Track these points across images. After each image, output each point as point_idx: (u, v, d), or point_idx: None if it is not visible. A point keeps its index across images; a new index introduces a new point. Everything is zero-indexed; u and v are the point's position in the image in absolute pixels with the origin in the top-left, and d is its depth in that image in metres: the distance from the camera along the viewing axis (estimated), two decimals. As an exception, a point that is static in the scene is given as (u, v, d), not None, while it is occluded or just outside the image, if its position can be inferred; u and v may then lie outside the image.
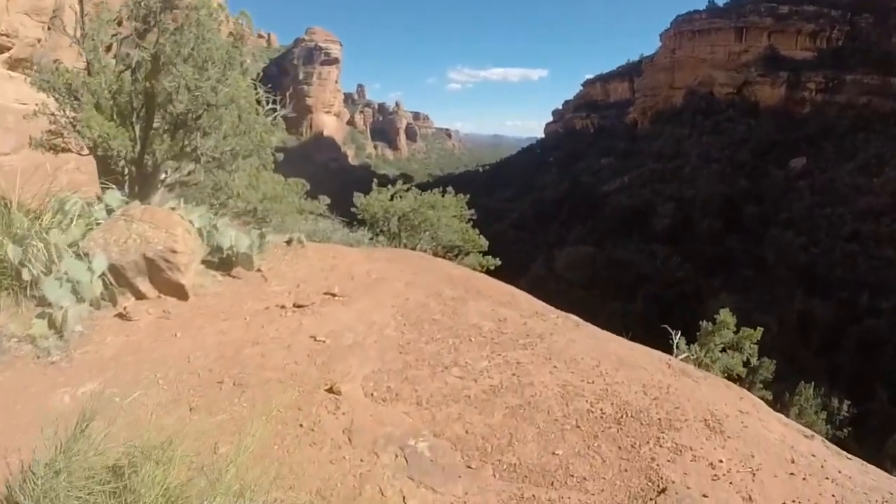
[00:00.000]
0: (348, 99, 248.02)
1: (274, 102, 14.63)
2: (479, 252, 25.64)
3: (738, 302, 74.82)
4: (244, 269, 9.53)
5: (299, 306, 8.19)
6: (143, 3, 11.88)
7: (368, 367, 6.41)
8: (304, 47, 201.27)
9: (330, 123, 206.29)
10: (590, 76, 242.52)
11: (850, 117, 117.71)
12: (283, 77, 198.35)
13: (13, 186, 8.42)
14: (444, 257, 25.28)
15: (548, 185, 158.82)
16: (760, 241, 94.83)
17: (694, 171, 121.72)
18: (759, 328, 22.53)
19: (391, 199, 25.07)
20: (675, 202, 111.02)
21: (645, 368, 6.91)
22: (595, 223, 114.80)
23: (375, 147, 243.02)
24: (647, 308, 77.91)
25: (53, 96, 11.63)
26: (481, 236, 25.63)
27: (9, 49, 15.19)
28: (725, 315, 21.75)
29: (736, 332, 22.10)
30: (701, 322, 22.15)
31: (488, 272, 24.73)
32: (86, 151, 12.59)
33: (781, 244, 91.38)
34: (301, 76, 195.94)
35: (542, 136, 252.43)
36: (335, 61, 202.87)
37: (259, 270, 9.67)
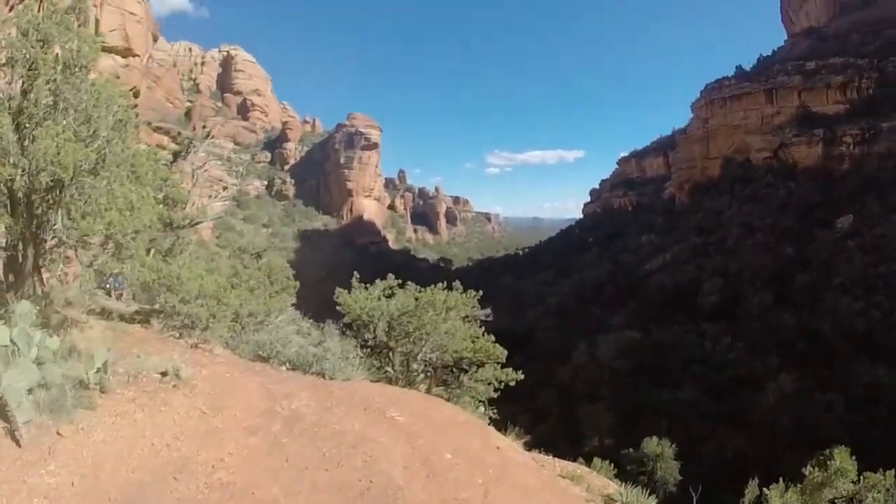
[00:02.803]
0: (389, 184, 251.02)
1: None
2: (496, 363, 20.66)
3: (797, 381, 69.92)
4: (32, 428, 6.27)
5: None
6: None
7: None
8: (346, 132, 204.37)
9: (370, 207, 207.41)
10: (625, 153, 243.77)
11: (890, 167, 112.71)
12: (325, 161, 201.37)
13: None
14: (440, 380, 21.44)
15: (588, 267, 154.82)
16: (814, 311, 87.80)
17: (737, 242, 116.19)
18: (889, 472, 16.60)
19: (381, 296, 21.35)
20: (720, 277, 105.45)
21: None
22: (638, 305, 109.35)
23: (415, 231, 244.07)
24: (698, 395, 73.44)
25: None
26: (497, 344, 20.54)
27: None
28: (842, 458, 16.22)
29: (856, 482, 16.48)
30: (805, 467, 16.94)
31: (506, 388, 20.91)
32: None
33: (837, 311, 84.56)
34: (342, 160, 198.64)
35: (581, 216, 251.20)
36: (375, 146, 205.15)
37: (59, 433, 6.32)
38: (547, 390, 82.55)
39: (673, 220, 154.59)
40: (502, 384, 20.47)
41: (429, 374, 20.94)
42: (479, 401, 20.86)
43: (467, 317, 21.02)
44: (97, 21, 54.72)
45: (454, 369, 21.13)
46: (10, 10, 26.32)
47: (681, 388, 76.17)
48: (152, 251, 16.18)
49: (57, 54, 10.06)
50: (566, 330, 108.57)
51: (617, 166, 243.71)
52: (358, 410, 10.12)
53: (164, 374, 9.21)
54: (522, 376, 20.86)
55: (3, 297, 10.22)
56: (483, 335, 20.77)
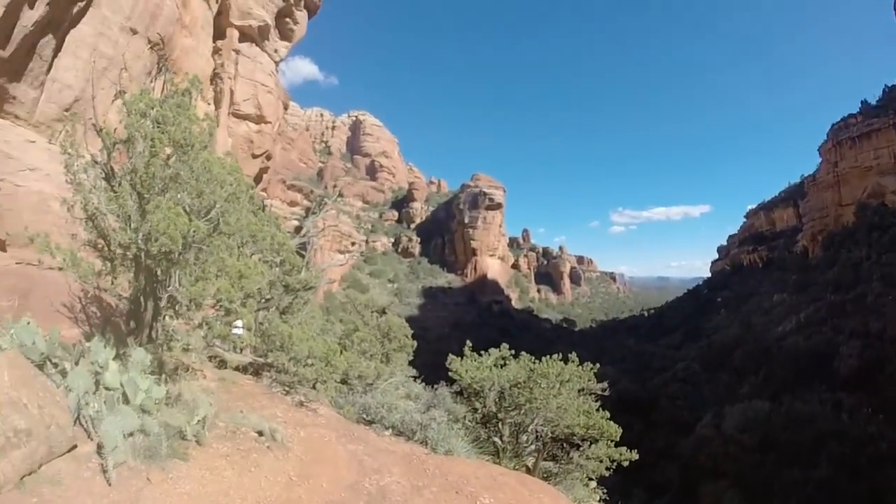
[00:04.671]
0: (513, 243, 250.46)
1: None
2: (610, 441, 19.75)
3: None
4: (124, 470, 6.73)
5: None
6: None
7: None
8: (470, 192, 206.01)
9: (494, 266, 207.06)
10: (752, 206, 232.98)
11: None
12: (450, 220, 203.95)
13: None
14: (549, 454, 20.80)
15: (716, 330, 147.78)
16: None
17: (878, 298, 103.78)
18: None
19: (494, 365, 21.13)
20: (860, 339, 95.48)
21: None
22: (769, 371, 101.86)
23: (539, 291, 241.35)
24: (833, 474, 65.82)
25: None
26: (611, 422, 19.70)
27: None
28: None
29: None
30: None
31: (618, 468, 20.16)
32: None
33: None
34: (467, 220, 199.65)
35: (709, 274, 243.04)
36: (499, 206, 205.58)
37: (148, 478, 6.72)
38: (667, 463, 77.54)
39: (806, 275, 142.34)
40: (615, 463, 19.84)
41: (538, 447, 20.46)
42: (590, 478, 20.26)
43: (583, 389, 20.39)
44: (232, 92, 58.53)
45: (565, 444, 20.64)
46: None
47: (814, 466, 68.72)
48: (270, 309, 16.92)
49: (172, 134, 10.84)
50: (692, 398, 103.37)
51: (745, 220, 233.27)
52: (449, 494, 9.97)
53: (260, 433, 9.45)
54: (637, 456, 19.86)
55: (125, 340, 10.99)
56: (599, 410, 20.07)
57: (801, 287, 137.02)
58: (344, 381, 16.98)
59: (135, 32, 25.84)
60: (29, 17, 18.26)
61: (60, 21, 20.70)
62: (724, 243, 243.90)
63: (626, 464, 19.67)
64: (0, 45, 17.21)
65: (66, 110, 21.34)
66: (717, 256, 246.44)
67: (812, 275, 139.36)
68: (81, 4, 22.13)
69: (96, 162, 11.25)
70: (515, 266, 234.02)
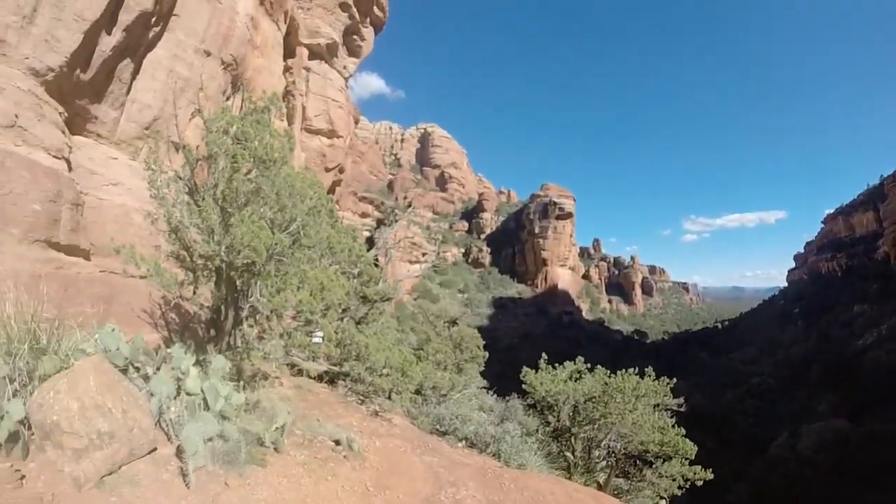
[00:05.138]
0: (584, 253, 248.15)
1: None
2: (685, 459, 19.29)
3: None
4: (203, 474, 7.01)
5: None
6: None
7: None
8: (540, 202, 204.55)
9: (564, 276, 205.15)
10: (830, 210, 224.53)
11: None
12: (520, 230, 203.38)
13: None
14: (622, 470, 20.31)
15: (793, 343, 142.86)
16: None
17: None
18: None
19: (569, 379, 20.90)
20: None
21: None
22: (848, 388, 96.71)
23: (610, 301, 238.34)
24: None
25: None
26: (687, 439, 19.17)
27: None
28: None
29: None
30: None
31: (690, 487, 19.57)
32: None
33: None
34: (537, 230, 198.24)
35: (785, 284, 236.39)
36: (569, 216, 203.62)
37: (226, 483, 6.84)
38: (739, 484, 73.50)
39: (889, 285, 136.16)
40: (688, 482, 19.35)
41: (610, 463, 20.14)
42: (661, 497, 19.81)
43: (658, 405, 20.14)
44: (304, 108, 60.09)
45: (638, 460, 20.26)
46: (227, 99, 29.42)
47: (895, 492, 63.77)
48: (346, 319, 17.12)
49: (254, 149, 11.12)
50: (767, 415, 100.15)
51: (822, 225, 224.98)
52: (525, 510, 9.92)
53: (337, 442, 9.51)
54: (712, 476, 19.26)
55: (204, 347, 11.26)
56: (674, 426, 19.66)
57: (883, 297, 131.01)
58: (418, 392, 17.02)
59: (209, 54, 26.65)
60: (107, 43, 19.05)
61: (137, 46, 21.55)
62: (801, 251, 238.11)
63: (699, 483, 19.15)
64: (81, 70, 17.95)
65: (146, 129, 22.14)
66: (793, 265, 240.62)
67: (894, 284, 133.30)
68: (157, 30, 22.97)
69: (179, 177, 11.60)
70: (586, 276, 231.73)
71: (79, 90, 18.44)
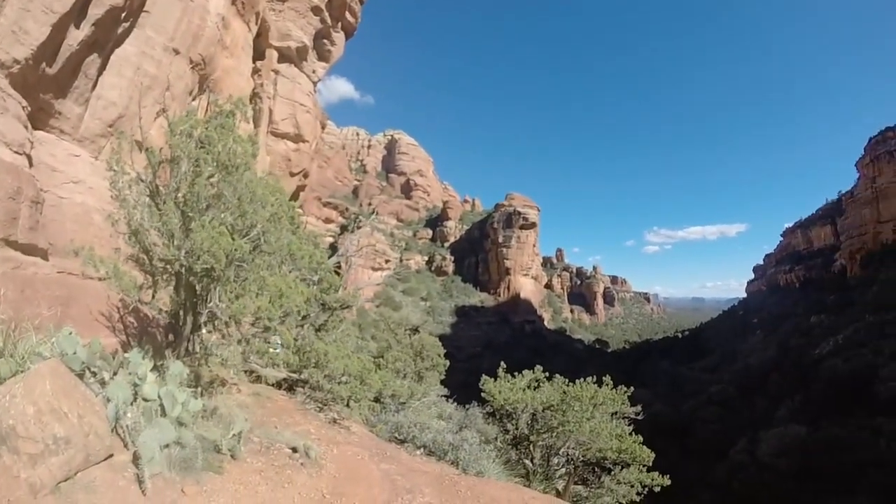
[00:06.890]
0: (547, 263, 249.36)
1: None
2: (642, 466, 19.60)
3: None
4: (159, 481, 6.93)
5: None
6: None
7: None
8: (504, 212, 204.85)
9: (527, 286, 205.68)
10: (789, 224, 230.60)
11: None
12: (484, 239, 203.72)
13: None
14: (580, 477, 20.54)
15: (753, 352, 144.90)
16: None
17: None
18: None
19: (527, 387, 20.98)
20: None
21: None
22: (807, 395, 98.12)
23: (572, 311, 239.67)
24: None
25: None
26: (644, 446, 19.48)
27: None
28: None
29: None
30: None
31: (650, 494, 19.84)
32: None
33: None
34: (501, 239, 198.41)
35: (745, 295, 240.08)
36: (533, 225, 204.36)
37: (183, 490, 6.82)
38: (701, 490, 74.25)
39: (845, 295, 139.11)
40: (646, 488, 19.56)
41: (569, 470, 20.28)
42: (620, 503, 19.99)
43: (616, 413, 20.33)
44: (271, 111, 59.74)
45: (596, 467, 20.44)
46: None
47: (853, 495, 65.89)
48: (305, 326, 17.06)
49: (217, 154, 11.08)
50: (728, 422, 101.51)
51: (782, 239, 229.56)
52: (480, 517, 9.99)
53: (294, 449, 9.50)
54: (669, 481, 19.54)
55: (162, 352, 11.19)
56: (631, 434, 19.85)
57: (840, 307, 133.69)
58: (377, 400, 17.02)
59: (177, 53, 26.35)
60: (75, 37, 18.77)
61: (105, 41, 21.21)
62: (761, 263, 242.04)
63: (657, 489, 19.40)
64: (47, 63, 17.67)
65: (110, 126, 21.82)
66: (753, 276, 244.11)
67: (851, 295, 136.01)
68: (126, 25, 22.65)
69: (141, 179, 11.51)
70: (549, 286, 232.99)
71: (44, 84, 18.13)
